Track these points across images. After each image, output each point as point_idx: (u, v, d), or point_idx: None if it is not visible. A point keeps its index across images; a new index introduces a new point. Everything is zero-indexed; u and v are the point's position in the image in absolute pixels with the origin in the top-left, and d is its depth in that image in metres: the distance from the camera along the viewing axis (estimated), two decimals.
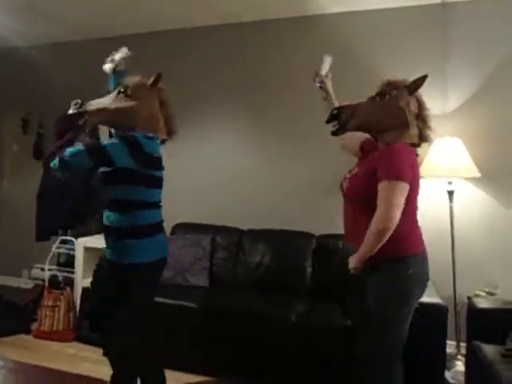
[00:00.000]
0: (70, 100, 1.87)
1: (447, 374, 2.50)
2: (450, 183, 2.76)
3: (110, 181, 1.86)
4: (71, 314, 3.20)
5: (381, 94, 1.80)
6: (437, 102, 2.97)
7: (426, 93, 3.06)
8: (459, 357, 2.67)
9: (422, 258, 1.76)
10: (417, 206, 1.79)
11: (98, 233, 3.37)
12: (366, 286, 1.80)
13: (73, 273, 3.40)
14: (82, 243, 3.33)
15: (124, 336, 1.86)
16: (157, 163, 1.92)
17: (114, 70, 1.99)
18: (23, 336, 3.12)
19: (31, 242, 3.57)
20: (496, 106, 2.85)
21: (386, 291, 1.73)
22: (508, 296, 2.48)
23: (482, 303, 2.25)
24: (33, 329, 3.18)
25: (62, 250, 3.59)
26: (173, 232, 3.32)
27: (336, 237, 2.85)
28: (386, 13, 3.07)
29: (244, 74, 3.46)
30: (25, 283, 4.07)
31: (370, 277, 1.77)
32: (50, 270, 3.48)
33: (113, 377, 1.92)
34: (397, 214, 1.63)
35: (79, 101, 1.85)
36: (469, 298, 2.35)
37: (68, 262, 3.60)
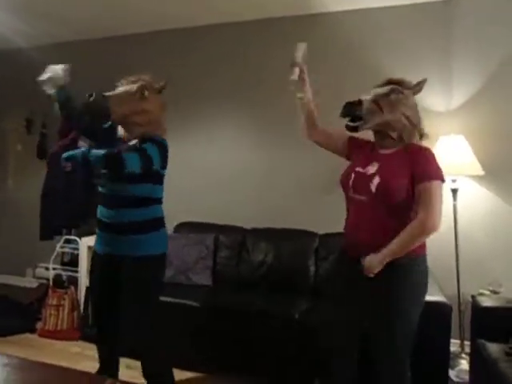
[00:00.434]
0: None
1: (451, 373, 2.50)
2: (453, 181, 2.75)
3: (136, 180, 1.88)
4: (75, 313, 3.22)
5: (396, 91, 1.74)
6: (441, 99, 2.96)
7: (430, 90, 3.06)
8: (463, 355, 2.67)
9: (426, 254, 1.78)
10: None
11: None
12: (371, 287, 1.74)
13: (77, 272, 3.41)
14: (85, 242, 3.34)
15: (151, 328, 1.96)
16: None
17: (58, 87, 1.96)
18: (28, 335, 3.14)
19: (35, 241, 3.58)
20: (500, 104, 2.84)
21: (408, 291, 1.70)
22: None
23: (486, 302, 2.24)
24: (37, 328, 3.20)
25: (66, 250, 3.61)
26: (176, 231, 3.33)
27: (339, 235, 2.83)
28: (389, 10, 3.05)
29: (245, 72, 3.46)
30: (29, 282, 4.09)
31: (387, 277, 1.68)
32: (54, 269, 3.49)
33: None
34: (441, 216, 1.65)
35: (93, 93, 1.86)
36: (473, 297, 2.34)
37: (72, 262, 3.62)
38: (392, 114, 1.73)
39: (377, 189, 1.68)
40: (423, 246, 1.74)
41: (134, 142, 1.94)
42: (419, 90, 1.81)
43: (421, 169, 1.68)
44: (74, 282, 3.39)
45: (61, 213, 3.48)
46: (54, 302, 3.18)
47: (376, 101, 1.73)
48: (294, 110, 2.06)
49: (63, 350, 2.95)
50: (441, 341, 2.15)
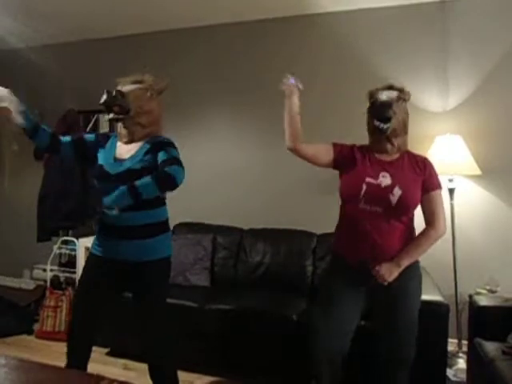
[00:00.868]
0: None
1: (449, 372, 2.50)
2: (450, 181, 2.76)
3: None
4: None
5: (402, 99, 1.78)
6: (437, 99, 2.97)
7: (426, 91, 3.07)
8: (461, 354, 2.68)
9: None
10: None
11: None
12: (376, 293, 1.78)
13: (74, 273, 3.41)
14: (83, 243, 3.33)
15: (166, 325, 1.94)
16: None
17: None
18: (25, 336, 3.13)
19: (33, 242, 3.57)
20: (497, 104, 2.85)
21: (417, 297, 1.80)
22: (509, 293, 2.48)
23: (483, 301, 2.25)
24: (35, 329, 3.19)
25: (63, 251, 3.60)
26: (173, 232, 3.32)
27: None
28: (387, 11, 3.06)
29: (243, 72, 3.46)
30: (26, 284, 4.08)
31: (401, 284, 1.74)
32: (51, 270, 3.49)
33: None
34: None
35: (109, 90, 1.84)
36: (470, 296, 2.35)
37: (69, 263, 3.61)
38: (398, 121, 1.76)
39: (398, 201, 1.71)
40: None
41: (136, 148, 1.88)
42: (408, 99, 1.85)
43: (432, 179, 1.78)
44: (71, 283, 3.38)
45: (58, 214, 3.48)
46: (52, 304, 3.17)
47: (391, 105, 1.75)
48: None
49: (60, 351, 2.92)
50: (438, 340, 2.16)
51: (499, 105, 2.84)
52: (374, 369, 1.87)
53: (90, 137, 2.00)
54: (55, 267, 3.58)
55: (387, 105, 1.73)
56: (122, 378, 2.13)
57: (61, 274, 3.54)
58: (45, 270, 3.62)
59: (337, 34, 3.17)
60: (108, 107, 1.85)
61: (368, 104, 1.83)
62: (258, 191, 3.40)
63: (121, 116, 1.86)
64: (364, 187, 1.73)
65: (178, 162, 1.77)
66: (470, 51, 2.90)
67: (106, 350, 2.83)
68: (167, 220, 1.97)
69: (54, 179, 3.53)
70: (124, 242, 1.86)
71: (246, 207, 3.41)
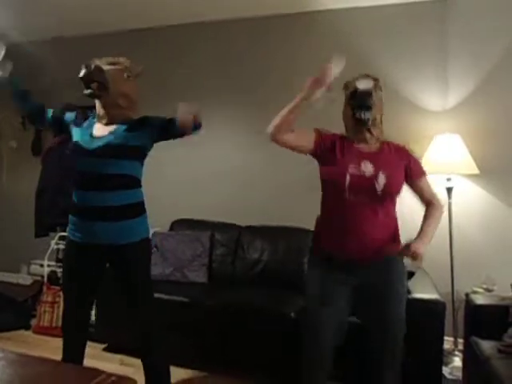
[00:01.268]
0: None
1: (445, 370, 2.52)
2: (448, 180, 2.77)
3: (127, 156, 1.86)
4: None
5: (380, 88, 1.79)
6: (437, 98, 2.98)
7: (426, 89, 3.07)
8: (457, 352, 2.69)
9: None
10: None
11: None
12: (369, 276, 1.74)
13: None
14: None
15: (154, 303, 1.99)
16: None
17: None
18: (23, 332, 3.13)
19: (30, 238, 3.56)
20: (496, 104, 2.85)
21: (403, 294, 1.80)
22: (505, 292, 2.48)
23: (480, 299, 2.26)
24: (32, 324, 3.19)
25: (60, 246, 3.59)
26: (171, 228, 3.32)
27: None
28: (387, 9, 3.06)
29: (244, 69, 3.46)
30: (24, 279, 4.07)
31: (393, 266, 1.76)
32: (48, 265, 3.48)
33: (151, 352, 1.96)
34: None
35: (88, 64, 1.85)
36: (466, 295, 2.36)
37: None
38: (377, 110, 1.76)
39: (382, 190, 1.69)
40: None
41: (115, 126, 1.89)
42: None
43: (417, 166, 1.83)
44: None
45: (56, 209, 3.47)
46: (49, 299, 3.17)
47: (371, 94, 1.74)
48: None
49: (58, 346, 2.92)
50: (434, 338, 2.17)
51: (498, 105, 2.85)
52: (366, 366, 1.86)
53: (69, 116, 2.04)
54: (52, 263, 3.57)
55: (368, 94, 1.73)
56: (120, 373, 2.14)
57: (58, 270, 3.53)
58: (42, 266, 3.61)
59: (337, 32, 3.16)
60: (86, 83, 1.85)
61: (345, 95, 1.81)
62: (256, 188, 3.40)
63: (98, 93, 1.86)
64: (348, 178, 1.70)
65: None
66: (469, 51, 2.90)
67: (103, 346, 2.83)
68: (143, 202, 1.97)
69: (52, 174, 3.52)
70: (100, 223, 1.84)
71: (244, 204, 3.40)
